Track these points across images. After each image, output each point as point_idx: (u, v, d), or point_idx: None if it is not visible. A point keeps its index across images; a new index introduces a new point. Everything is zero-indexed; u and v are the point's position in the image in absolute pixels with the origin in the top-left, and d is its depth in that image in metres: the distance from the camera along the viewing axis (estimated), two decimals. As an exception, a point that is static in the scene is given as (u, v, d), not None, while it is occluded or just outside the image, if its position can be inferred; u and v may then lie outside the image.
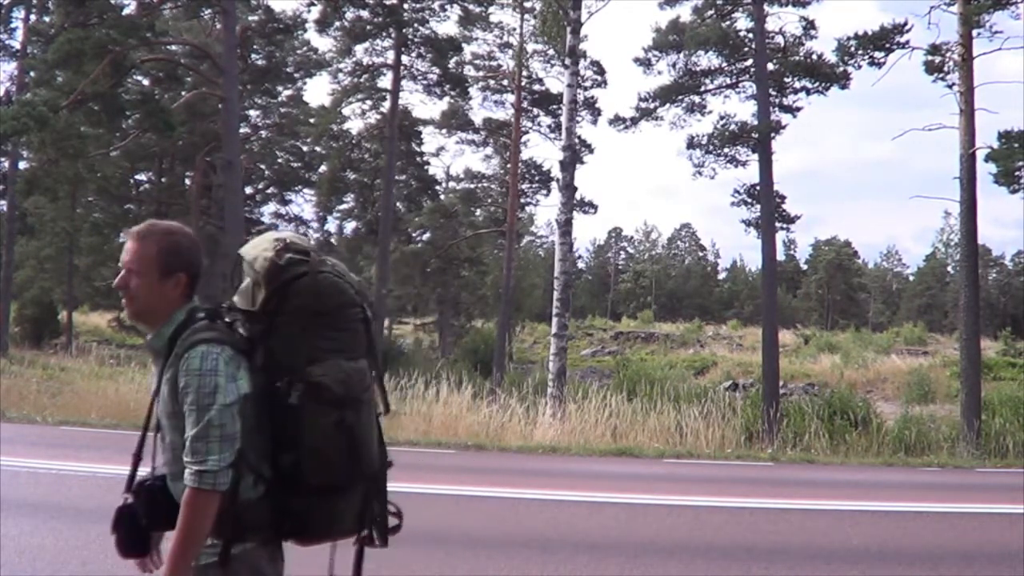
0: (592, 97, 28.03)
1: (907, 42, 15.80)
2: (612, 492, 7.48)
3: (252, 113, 31.84)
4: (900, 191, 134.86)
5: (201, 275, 2.11)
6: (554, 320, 13.85)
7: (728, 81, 19.31)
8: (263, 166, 33.04)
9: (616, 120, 20.03)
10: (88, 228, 30.10)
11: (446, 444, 10.37)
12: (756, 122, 17.75)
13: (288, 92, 32.18)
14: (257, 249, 2.09)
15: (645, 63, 19.54)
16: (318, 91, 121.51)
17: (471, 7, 27.32)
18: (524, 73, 28.84)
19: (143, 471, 2.10)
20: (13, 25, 25.10)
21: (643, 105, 19.51)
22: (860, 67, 16.70)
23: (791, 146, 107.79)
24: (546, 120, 29.82)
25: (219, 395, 1.90)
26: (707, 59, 19.15)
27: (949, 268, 62.26)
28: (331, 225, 38.78)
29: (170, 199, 30.80)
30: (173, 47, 25.11)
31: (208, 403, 1.89)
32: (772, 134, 17.45)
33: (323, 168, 32.80)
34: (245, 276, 2.10)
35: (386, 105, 27.14)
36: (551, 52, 26.91)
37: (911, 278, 73.11)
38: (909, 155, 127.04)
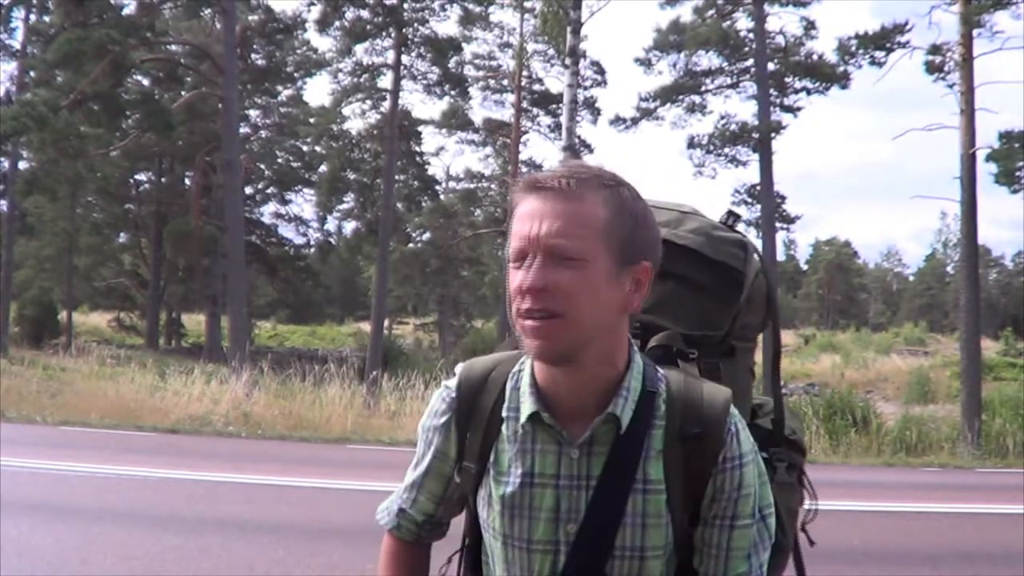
0: (592, 97, 28.04)
1: (907, 42, 15.83)
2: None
3: (252, 113, 31.89)
4: (899, 191, 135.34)
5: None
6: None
7: (728, 81, 19.35)
8: (263, 166, 33.06)
9: (616, 120, 20.07)
10: (88, 228, 30.20)
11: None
12: (757, 122, 17.76)
13: (288, 92, 32.24)
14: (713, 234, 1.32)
15: (645, 63, 19.55)
16: (318, 91, 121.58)
17: (471, 7, 27.29)
18: (524, 73, 28.84)
19: None
20: (13, 25, 25.06)
21: (643, 105, 19.55)
22: (861, 67, 16.77)
23: (791, 146, 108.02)
24: (546, 120, 29.85)
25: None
26: (707, 59, 19.22)
27: (949, 268, 62.29)
28: (331, 225, 38.88)
29: (170, 199, 30.85)
30: (173, 47, 25.14)
31: (769, 511, 1.15)
32: (772, 134, 17.46)
33: (323, 168, 32.80)
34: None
35: (386, 105, 27.10)
36: (551, 52, 26.90)
37: (911, 278, 73.20)
38: (909, 155, 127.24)
